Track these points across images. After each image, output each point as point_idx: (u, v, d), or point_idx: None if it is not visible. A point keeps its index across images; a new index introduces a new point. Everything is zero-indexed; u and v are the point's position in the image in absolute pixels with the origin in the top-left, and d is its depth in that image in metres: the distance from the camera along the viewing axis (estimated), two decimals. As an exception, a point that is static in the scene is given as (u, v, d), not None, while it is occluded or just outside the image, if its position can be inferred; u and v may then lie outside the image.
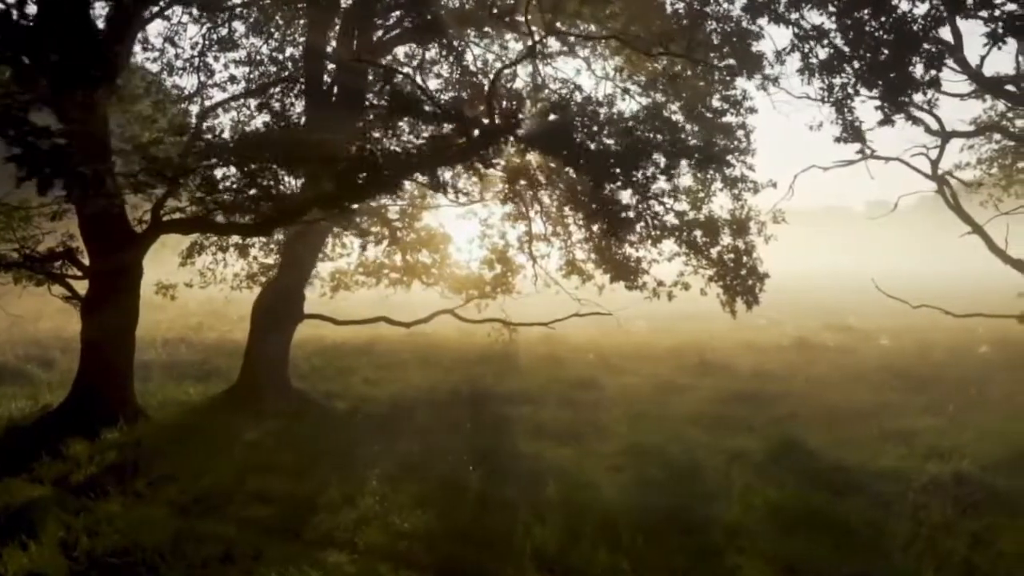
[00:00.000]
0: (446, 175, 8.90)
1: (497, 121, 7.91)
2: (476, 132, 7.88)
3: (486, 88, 9.14)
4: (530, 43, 9.41)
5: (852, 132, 11.05)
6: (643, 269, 13.47)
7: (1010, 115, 16.85)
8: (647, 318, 24.91)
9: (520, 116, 8.09)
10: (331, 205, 7.81)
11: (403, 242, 17.08)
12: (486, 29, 14.51)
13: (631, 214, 9.11)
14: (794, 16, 10.95)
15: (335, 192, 7.67)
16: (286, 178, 9.11)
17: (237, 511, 7.35)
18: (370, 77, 16.27)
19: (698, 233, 12.96)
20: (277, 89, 12.09)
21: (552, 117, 8.32)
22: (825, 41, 10.10)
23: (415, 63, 17.48)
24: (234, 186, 9.47)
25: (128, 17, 9.37)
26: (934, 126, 14.82)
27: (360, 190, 7.73)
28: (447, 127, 8.16)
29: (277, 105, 10.56)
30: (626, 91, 12.59)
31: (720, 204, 13.68)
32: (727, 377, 14.92)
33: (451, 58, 17.30)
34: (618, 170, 8.23)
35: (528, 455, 9.35)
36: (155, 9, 11.43)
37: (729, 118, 14.12)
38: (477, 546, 6.47)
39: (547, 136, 7.86)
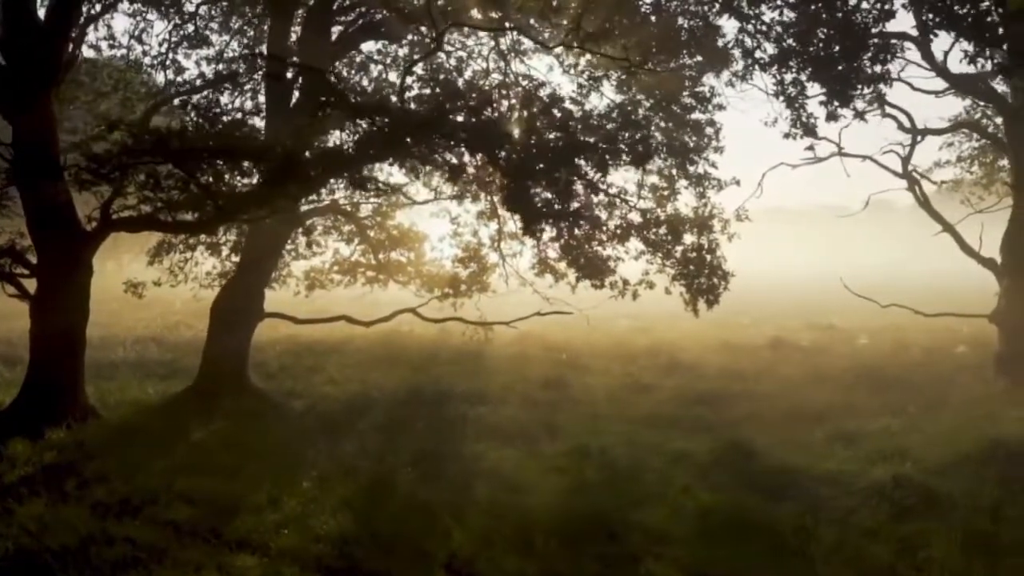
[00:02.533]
0: (366, 172, 8.73)
1: (420, 116, 7.81)
2: (388, 128, 7.77)
3: (397, 85, 9.03)
4: (434, 36, 9.23)
5: (802, 127, 10.87)
6: (610, 268, 13.40)
7: (989, 112, 16.66)
8: (629, 317, 24.83)
9: (438, 112, 7.96)
10: (260, 204, 7.73)
11: (374, 240, 17.04)
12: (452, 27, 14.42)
13: (548, 210, 8.89)
14: (753, 12, 10.78)
15: (262, 191, 7.58)
16: (228, 176, 8.97)
17: (160, 512, 7.25)
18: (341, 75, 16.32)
19: (661, 231, 12.86)
20: (205, 91, 12.00)
21: (484, 114, 8.19)
22: (773, 35, 9.93)
23: (388, 60, 17.55)
24: (178, 184, 9.35)
25: (69, 11, 9.26)
26: (905, 123, 14.69)
27: (285, 189, 7.64)
28: (375, 124, 8.04)
29: (203, 102, 10.47)
30: (581, 87, 12.42)
31: (685, 202, 13.61)
32: (694, 377, 14.78)
33: (426, 55, 17.31)
34: (540, 168, 8.08)
35: (470, 456, 9.25)
36: (99, 6, 11.32)
37: (698, 115, 14.00)
38: (391, 550, 6.36)
39: (472, 133, 7.73)
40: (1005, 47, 8.53)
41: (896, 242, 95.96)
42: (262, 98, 14.67)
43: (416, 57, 13.12)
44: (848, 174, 17.29)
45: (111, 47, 15.22)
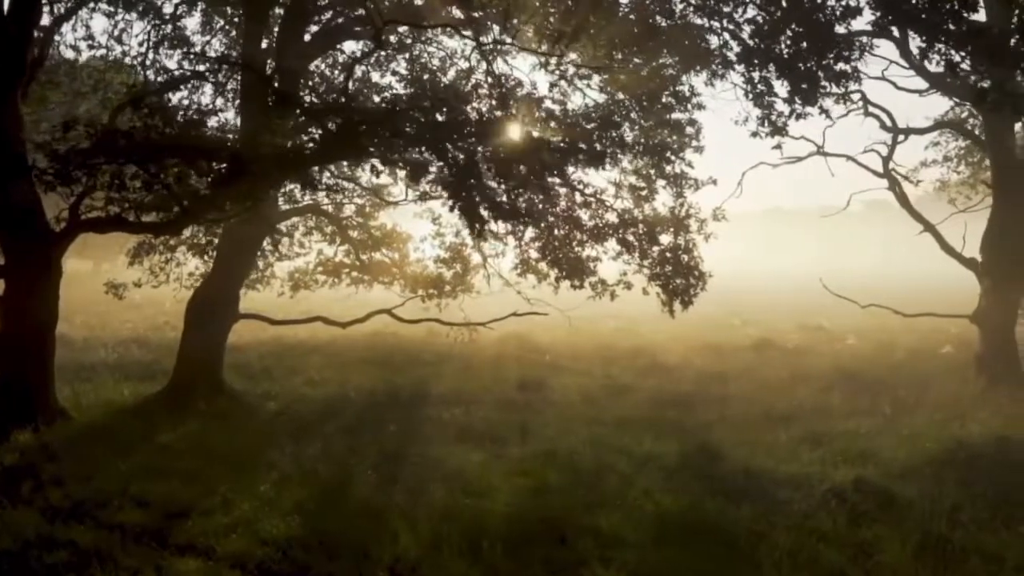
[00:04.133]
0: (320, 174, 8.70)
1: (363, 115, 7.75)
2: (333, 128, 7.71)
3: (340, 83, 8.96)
4: (373, 35, 9.16)
5: (770, 126, 10.75)
6: (589, 268, 13.39)
7: (974, 111, 16.54)
8: (618, 318, 24.76)
9: (389, 111, 7.90)
10: (213, 204, 7.68)
11: (356, 241, 17.01)
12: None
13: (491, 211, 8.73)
14: (719, 8, 10.68)
15: (213, 191, 7.53)
16: (192, 177, 8.90)
17: (111, 516, 7.18)
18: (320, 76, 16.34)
19: (638, 231, 12.81)
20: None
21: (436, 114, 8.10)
22: (743, 33, 9.82)
23: (372, 59, 17.51)
24: (143, 184, 9.29)
25: (31, 11, 9.20)
26: (887, 122, 14.60)
27: (235, 189, 7.59)
28: (323, 123, 7.98)
29: (155, 101, 10.40)
30: (553, 86, 12.35)
31: (663, 202, 13.54)
32: (673, 379, 14.70)
33: (407, 55, 17.27)
34: (486, 167, 8.02)
35: (434, 458, 9.15)
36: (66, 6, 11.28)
37: (678, 114, 13.91)
38: (336, 553, 6.30)
39: (422, 130, 7.67)
40: (951, 42, 8.44)
41: (896, 241, 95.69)
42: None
43: (358, 56, 13.06)
44: (833, 174, 17.13)
45: (90, 47, 15.19)
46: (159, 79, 14.59)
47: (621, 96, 13.90)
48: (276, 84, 9.47)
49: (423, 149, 7.61)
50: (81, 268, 43.65)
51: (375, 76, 17.19)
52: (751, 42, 9.70)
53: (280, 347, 18.61)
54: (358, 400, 12.86)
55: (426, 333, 19.96)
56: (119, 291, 15.89)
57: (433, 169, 8.49)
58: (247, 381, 14.43)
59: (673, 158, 12.77)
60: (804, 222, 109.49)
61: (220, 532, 6.76)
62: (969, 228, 15.35)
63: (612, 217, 13.11)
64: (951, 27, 8.19)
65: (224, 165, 7.42)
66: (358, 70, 17.69)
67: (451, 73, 16.81)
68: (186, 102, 13.43)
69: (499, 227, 9.93)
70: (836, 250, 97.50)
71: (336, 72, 17.26)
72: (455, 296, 17.69)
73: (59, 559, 6.05)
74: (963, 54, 8.57)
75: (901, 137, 14.91)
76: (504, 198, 8.29)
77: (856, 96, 14.46)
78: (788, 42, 9.33)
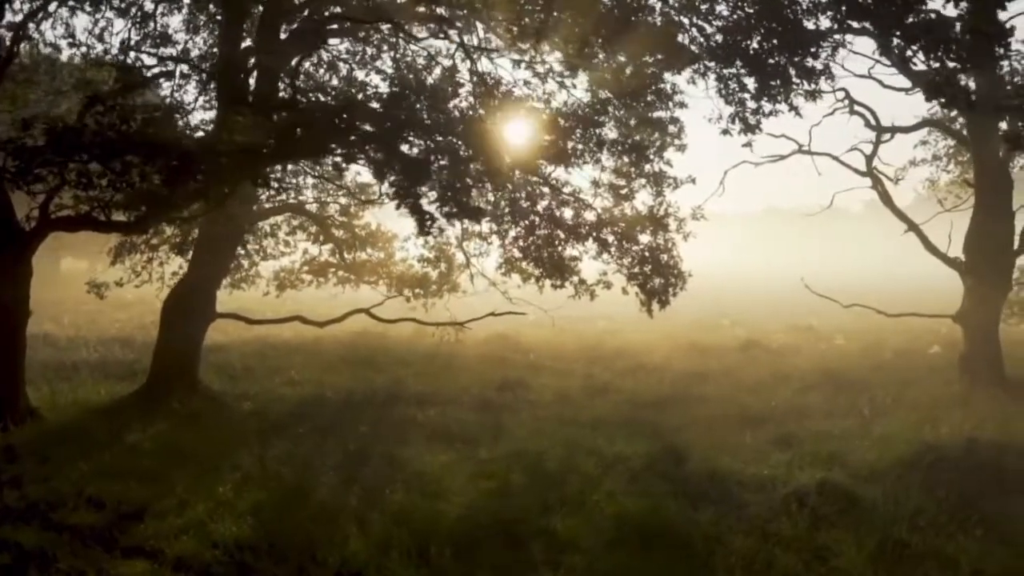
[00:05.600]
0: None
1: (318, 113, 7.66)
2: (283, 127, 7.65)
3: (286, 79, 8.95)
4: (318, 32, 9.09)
5: (742, 124, 10.61)
6: (570, 267, 13.34)
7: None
8: (607, 318, 24.67)
9: (344, 108, 7.81)
10: (168, 203, 7.62)
11: (340, 240, 16.97)
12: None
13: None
14: (704, 7, 10.58)
15: (171, 190, 7.48)
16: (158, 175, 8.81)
17: (64, 517, 7.11)
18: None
19: (613, 231, 12.75)
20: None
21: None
22: (711, 29, 9.72)
23: (356, 58, 17.47)
24: (110, 183, 9.21)
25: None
26: (872, 121, 14.49)
27: (185, 188, 7.53)
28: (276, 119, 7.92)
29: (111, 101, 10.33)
30: (527, 83, 12.29)
31: (643, 201, 13.46)
32: (655, 380, 14.59)
33: (393, 53, 17.19)
34: (439, 165, 7.91)
35: (401, 460, 9.06)
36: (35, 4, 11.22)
37: (660, 113, 13.81)
38: (285, 556, 6.22)
39: (377, 126, 7.56)
40: (904, 36, 8.32)
41: (895, 241, 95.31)
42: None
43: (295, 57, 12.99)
44: (819, 172, 17.02)
45: (71, 45, 15.11)
46: (141, 77, 14.55)
47: (603, 94, 13.84)
48: (252, 84, 9.36)
49: (374, 147, 7.51)
50: (76, 268, 43.60)
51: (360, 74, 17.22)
52: (719, 38, 9.58)
53: (264, 346, 18.53)
54: (335, 400, 12.77)
55: (412, 333, 19.87)
56: (100, 290, 15.88)
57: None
58: (227, 381, 14.35)
59: (652, 157, 12.68)
60: (804, 222, 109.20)
61: (171, 534, 6.68)
62: (955, 227, 15.25)
63: (591, 216, 13.09)
64: (904, 21, 8.07)
65: (175, 163, 7.37)
66: (343, 68, 17.74)
67: (436, 72, 16.80)
68: (168, 100, 13.34)
69: (483, 227, 9.79)
70: (836, 250, 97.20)
71: (322, 71, 17.26)
72: (440, 296, 17.67)
73: (1, 562, 5.98)
74: (915, 48, 8.46)
75: (887, 136, 14.81)
76: (457, 195, 8.15)
77: (840, 94, 14.38)
78: (759, 38, 9.23)
